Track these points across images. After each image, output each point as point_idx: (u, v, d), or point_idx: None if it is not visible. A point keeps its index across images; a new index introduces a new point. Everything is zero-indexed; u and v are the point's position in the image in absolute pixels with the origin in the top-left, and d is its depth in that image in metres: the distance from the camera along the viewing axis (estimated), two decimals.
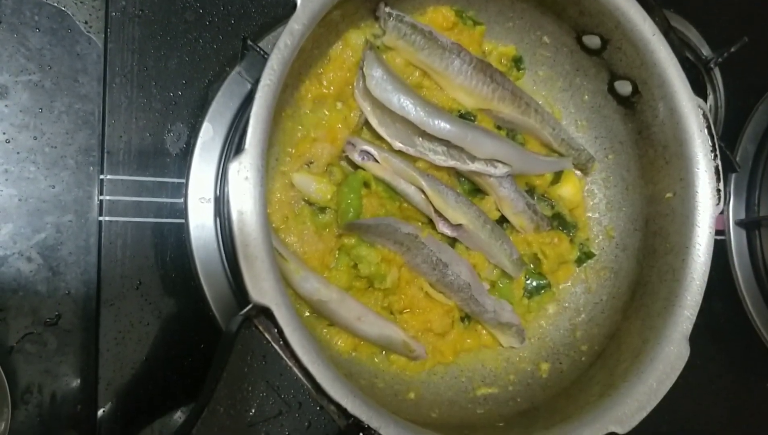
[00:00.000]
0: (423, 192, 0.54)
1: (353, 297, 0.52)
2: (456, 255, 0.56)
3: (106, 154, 0.58)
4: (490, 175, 0.56)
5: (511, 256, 0.57)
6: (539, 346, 0.59)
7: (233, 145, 0.58)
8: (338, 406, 0.40)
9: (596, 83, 0.59)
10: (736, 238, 0.76)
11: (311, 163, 0.53)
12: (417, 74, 0.57)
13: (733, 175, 0.77)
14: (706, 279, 0.50)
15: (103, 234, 0.57)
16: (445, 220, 0.56)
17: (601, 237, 0.61)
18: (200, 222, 0.58)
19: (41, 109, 0.56)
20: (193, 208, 0.58)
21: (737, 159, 0.77)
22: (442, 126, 0.53)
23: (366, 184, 0.55)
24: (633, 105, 0.56)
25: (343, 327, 0.52)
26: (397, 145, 0.55)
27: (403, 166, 0.54)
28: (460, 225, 0.56)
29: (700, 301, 0.50)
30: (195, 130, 0.59)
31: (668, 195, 0.54)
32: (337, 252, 0.54)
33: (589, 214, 0.62)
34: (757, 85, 0.80)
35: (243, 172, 0.40)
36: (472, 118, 0.58)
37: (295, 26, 0.42)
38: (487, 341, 0.58)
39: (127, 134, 0.58)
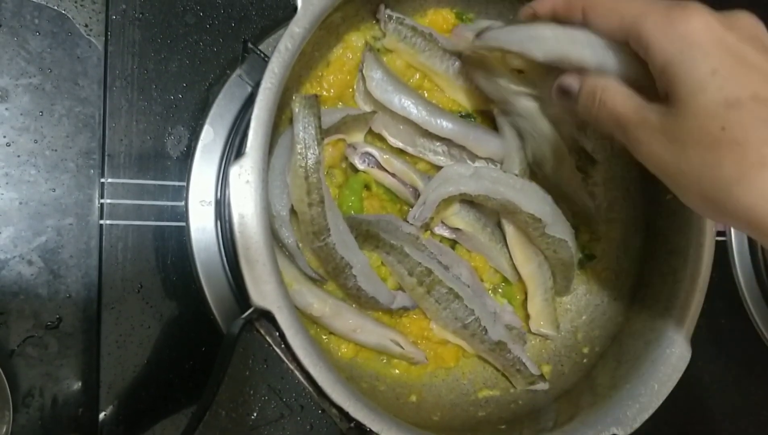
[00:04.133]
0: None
1: (350, 306, 0.52)
2: (457, 257, 0.56)
3: (106, 157, 0.58)
4: None
5: (511, 260, 0.57)
6: (540, 348, 0.59)
7: (234, 148, 0.58)
8: (340, 409, 0.40)
9: None
10: (737, 239, 0.76)
11: None
12: (417, 76, 0.57)
13: None
14: (707, 280, 0.50)
15: (103, 237, 0.57)
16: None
17: (602, 239, 0.61)
18: (201, 225, 0.58)
19: (42, 112, 0.56)
20: (194, 211, 0.58)
21: None
22: (444, 124, 0.53)
23: (367, 187, 0.55)
24: None
25: (340, 337, 0.52)
26: (398, 144, 0.55)
27: (404, 168, 0.54)
28: (458, 228, 0.56)
29: (701, 302, 0.50)
30: (196, 133, 0.59)
31: (669, 196, 0.54)
32: None
33: None
34: None
35: (244, 176, 0.40)
36: (473, 119, 0.58)
37: (296, 29, 0.42)
38: None
39: (127, 137, 0.58)
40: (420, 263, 0.51)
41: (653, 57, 0.37)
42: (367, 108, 0.54)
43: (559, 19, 0.43)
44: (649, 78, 0.38)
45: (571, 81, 0.43)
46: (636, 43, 0.38)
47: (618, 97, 0.39)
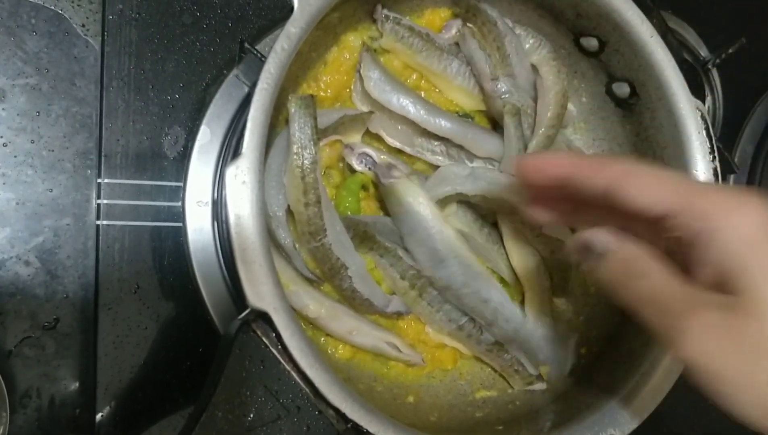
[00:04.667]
0: None
1: (347, 308, 0.51)
2: None
3: (103, 158, 0.57)
4: None
5: (508, 261, 0.56)
6: None
7: (231, 149, 0.58)
8: (337, 410, 0.40)
9: (594, 85, 0.59)
10: None
11: None
12: (414, 76, 0.57)
13: (732, 177, 0.77)
14: None
15: (100, 238, 0.57)
16: None
17: None
18: (198, 225, 0.58)
19: (39, 112, 0.56)
20: (191, 211, 0.58)
21: (736, 160, 0.77)
22: (442, 123, 0.53)
23: (364, 187, 0.55)
24: (631, 107, 0.56)
25: (337, 339, 0.52)
26: (396, 144, 0.55)
27: None
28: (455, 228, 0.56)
29: None
30: (192, 134, 0.59)
31: None
32: None
33: None
34: (755, 86, 0.80)
35: (240, 176, 0.40)
36: (471, 119, 0.58)
37: (292, 29, 0.42)
38: None
39: (124, 138, 0.58)
40: (411, 266, 0.51)
41: (718, 241, 0.32)
42: (364, 108, 0.54)
43: (571, 183, 0.38)
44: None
45: (602, 240, 0.37)
46: (695, 221, 0.33)
47: (662, 276, 0.34)
